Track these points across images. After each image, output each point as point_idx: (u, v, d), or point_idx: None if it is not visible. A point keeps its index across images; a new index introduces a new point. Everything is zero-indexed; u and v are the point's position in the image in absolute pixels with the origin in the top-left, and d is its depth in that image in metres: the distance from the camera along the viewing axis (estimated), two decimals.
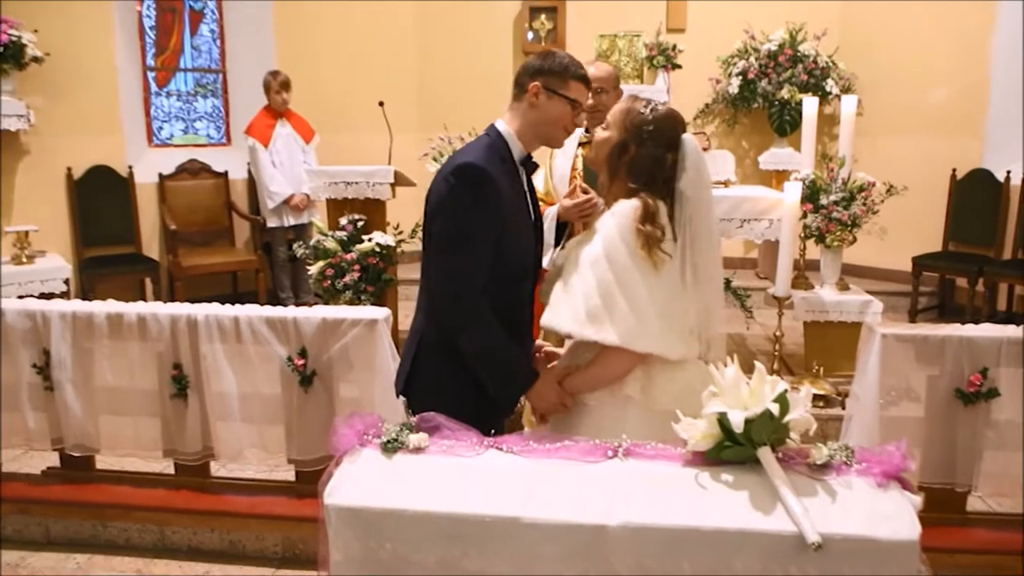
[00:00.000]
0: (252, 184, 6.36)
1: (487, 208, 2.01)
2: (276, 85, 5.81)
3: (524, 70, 2.14)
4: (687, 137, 2.00)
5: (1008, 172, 5.64)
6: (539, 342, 2.33)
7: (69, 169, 5.65)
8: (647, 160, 1.97)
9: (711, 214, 2.05)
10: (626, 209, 1.95)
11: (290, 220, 5.92)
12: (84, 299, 4.39)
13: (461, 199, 2.01)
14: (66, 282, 4.93)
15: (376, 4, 6.54)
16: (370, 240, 4.14)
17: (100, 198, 5.74)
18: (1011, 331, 2.82)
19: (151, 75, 6.36)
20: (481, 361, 2.07)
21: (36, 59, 5.19)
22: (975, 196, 5.80)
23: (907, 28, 6.11)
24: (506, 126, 2.14)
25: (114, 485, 3.32)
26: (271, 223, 5.93)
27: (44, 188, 5.51)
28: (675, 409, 1.91)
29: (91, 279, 5.51)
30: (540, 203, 2.33)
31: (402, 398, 2.24)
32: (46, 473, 3.39)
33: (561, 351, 2.26)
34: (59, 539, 3.22)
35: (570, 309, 1.96)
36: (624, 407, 2.00)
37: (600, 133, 2.07)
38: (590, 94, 2.22)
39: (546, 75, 2.09)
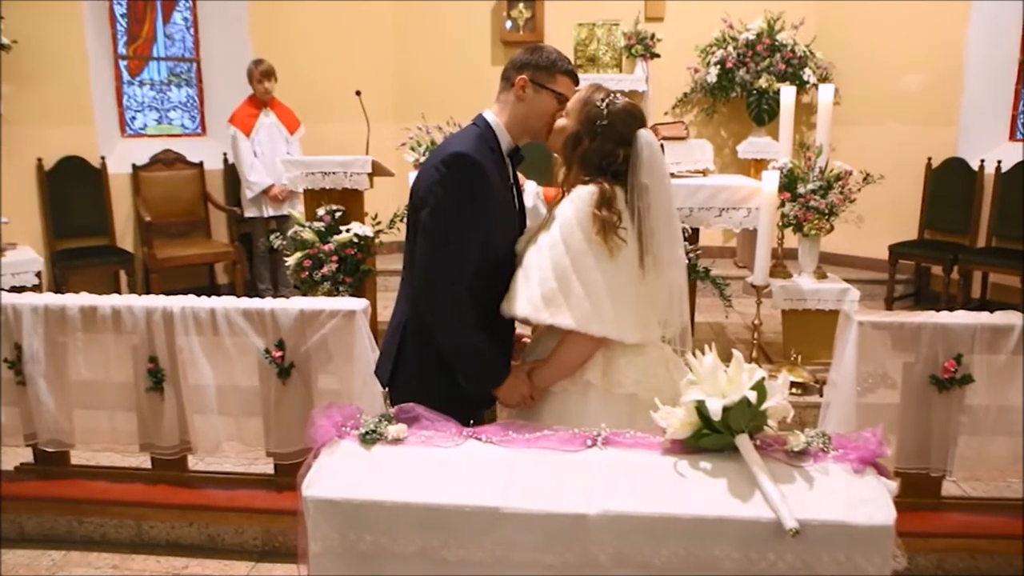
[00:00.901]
0: (228, 175, 6.28)
1: (478, 201, 1.99)
2: (258, 74, 5.73)
3: (512, 63, 2.13)
4: (642, 133, 2.00)
5: (982, 161, 5.72)
6: (519, 331, 2.33)
7: (40, 160, 5.55)
8: (597, 154, 1.99)
9: (670, 203, 2.06)
10: (583, 194, 1.96)
11: (270, 211, 5.86)
12: (57, 292, 4.31)
13: (453, 190, 1.98)
14: (38, 275, 4.84)
15: None
16: (348, 231, 4.10)
17: (72, 189, 5.64)
18: (985, 318, 2.86)
19: (123, 64, 6.25)
20: (456, 355, 2.06)
21: (3, 46, 5.08)
22: (950, 185, 5.87)
23: (884, 18, 6.15)
24: (494, 117, 2.13)
25: (90, 480, 3.28)
26: (250, 213, 5.86)
27: (14, 179, 5.39)
28: (635, 392, 1.95)
29: (64, 272, 5.42)
30: None
31: (384, 389, 2.23)
32: (19, 469, 3.34)
33: None
34: (33, 536, 3.17)
35: (526, 294, 1.97)
36: (585, 392, 2.02)
37: (559, 121, 2.07)
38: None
39: (533, 69, 2.09)
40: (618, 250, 1.94)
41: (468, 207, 1.98)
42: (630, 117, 2.01)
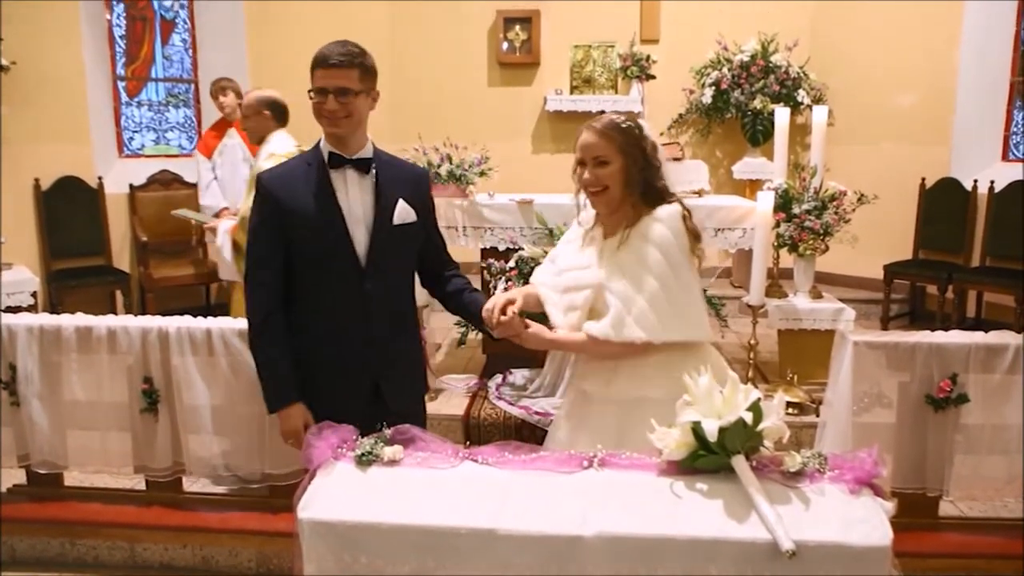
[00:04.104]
0: None
1: (263, 208, 2.23)
2: (213, 90, 5.52)
3: None
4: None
5: (975, 181, 5.76)
6: (505, 297, 2.32)
7: (37, 180, 5.56)
8: (654, 148, 2.11)
9: None
10: (669, 213, 2.06)
11: None
12: (52, 312, 4.31)
13: (253, 207, 2.28)
14: (33, 295, 4.84)
15: (350, 13, 6.51)
16: None
17: (69, 209, 5.65)
18: (980, 337, 2.87)
19: (121, 84, 6.29)
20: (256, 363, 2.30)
21: (2, 67, 5.11)
22: (944, 204, 5.90)
23: (877, 39, 6.22)
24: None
25: (83, 502, 3.26)
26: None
27: (10, 199, 5.39)
28: None
29: (59, 291, 5.42)
30: None
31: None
32: (12, 491, 3.31)
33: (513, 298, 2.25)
34: (25, 558, 3.14)
35: (635, 318, 2.01)
36: None
37: (601, 172, 2.07)
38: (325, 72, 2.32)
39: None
40: (703, 256, 2.10)
41: (255, 217, 2.25)
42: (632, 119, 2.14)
